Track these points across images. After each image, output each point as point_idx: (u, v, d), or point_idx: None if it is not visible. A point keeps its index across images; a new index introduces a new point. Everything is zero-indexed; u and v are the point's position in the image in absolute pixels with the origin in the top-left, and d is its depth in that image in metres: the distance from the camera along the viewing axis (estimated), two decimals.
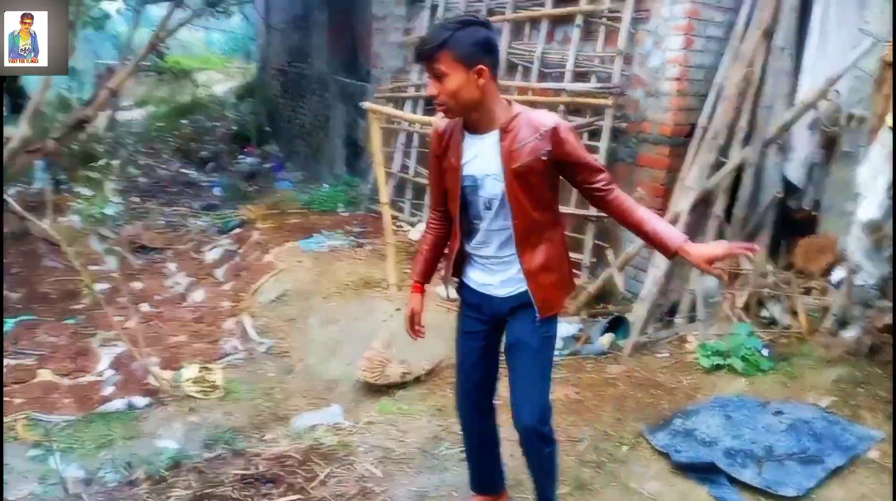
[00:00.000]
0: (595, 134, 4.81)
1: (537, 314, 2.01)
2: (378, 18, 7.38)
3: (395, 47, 7.24)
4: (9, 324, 4.83)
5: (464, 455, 2.61)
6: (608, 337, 4.11)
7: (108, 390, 3.91)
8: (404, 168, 6.82)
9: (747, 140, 4.27)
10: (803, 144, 4.26)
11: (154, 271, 5.87)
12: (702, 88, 4.39)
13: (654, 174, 4.51)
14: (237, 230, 6.58)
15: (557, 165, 1.94)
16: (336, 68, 8.70)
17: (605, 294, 4.67)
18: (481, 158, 1.96)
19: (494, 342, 2.21)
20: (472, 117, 1.94)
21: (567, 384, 3.49)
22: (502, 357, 2.21)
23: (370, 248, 5.88)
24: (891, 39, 3.44)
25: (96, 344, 4.54)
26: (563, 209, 4.82)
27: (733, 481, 2.62)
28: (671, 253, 1.94)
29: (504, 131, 1.92)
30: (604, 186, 1.96)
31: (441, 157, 2.04)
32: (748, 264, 4.14)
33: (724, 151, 4.29)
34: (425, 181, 6.45)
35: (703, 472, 2.68)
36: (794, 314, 3.94)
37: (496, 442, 2.40)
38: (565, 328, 4.29)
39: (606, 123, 4.67)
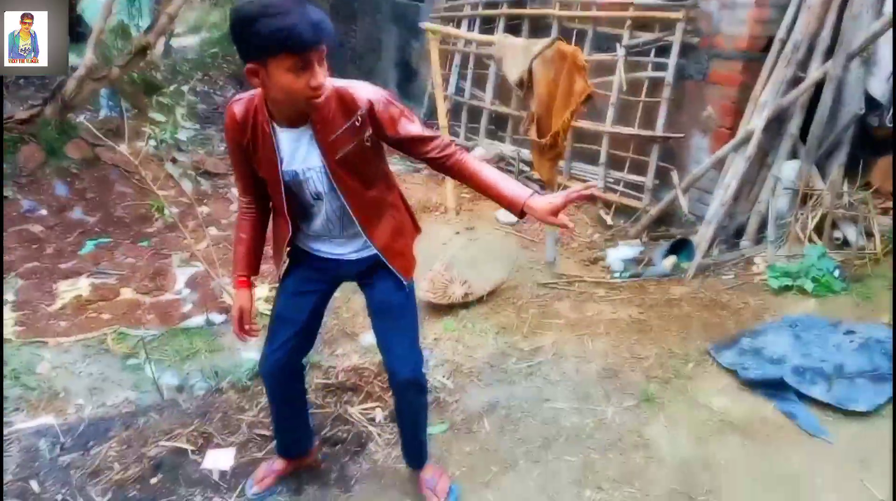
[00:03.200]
0: (664, 50, 4.60)
1: (403, 280, 2.02)
2: None
3: None
4: (88, 247, 5.11)
5: (531, 370, 2.70)
6: (671, 259, 4.07)
7: (187, 307, 4.14)
8: (459, 91, 6.71)
9: (829, 53, 4.01)
10: (890, 57, 3.98)
11: (218, 197, 6.03)
12: None
13: (725, 92, 4.31)
14: None
15: (383, 139, 1.81)
16: None
17: (666, 217, 4.60)
18: (299, 152, 1.77)
19: (326, 299, 2.14)
20: (294, 108, 1.70)
21: (630, 305, 3.50)
22: None
23: (427, 173, 5.88)
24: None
25: (172, 265, 4.76)
26: (622, 130, 4.75)
27: (802, 397, 2.63)
28: (519, 212, 1.80)
29: (315, 122, 1.72)
30: (438, 153, 1.82)
31: (246, 149, 1.82)
32: (821, 184, 3.99)
33: (802, 65, 4.05)
34: (481, 104, 6.35)
35: (771, 388, 2.70)
36: (870, 235, 3.81)
37: (305, 401, 2.28)
38: (625, 250, 4.27)
39: (676, 38, 4.45)
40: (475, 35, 5.91)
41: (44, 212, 5.46)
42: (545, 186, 4.08)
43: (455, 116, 6.67)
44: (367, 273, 2.02)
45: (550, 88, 3.62)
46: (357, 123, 1.72)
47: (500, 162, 5.78)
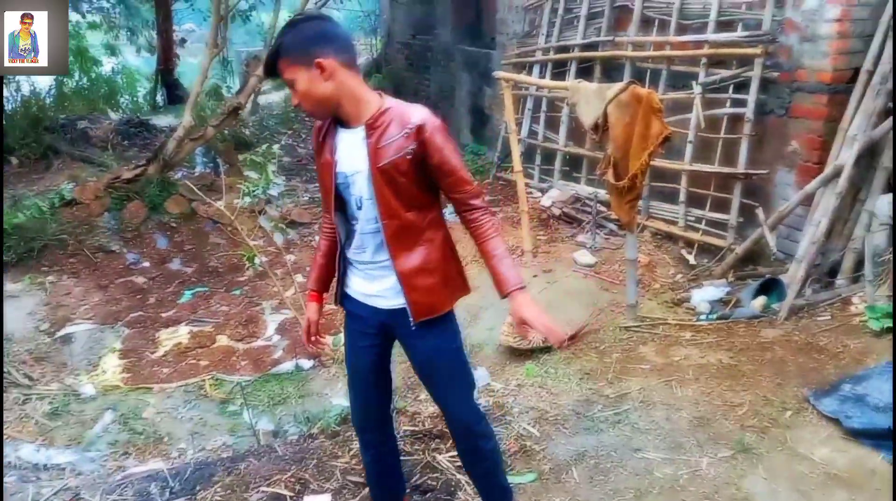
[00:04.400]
0: (742, 86, 4.53)
1: (411, 318, 1.91)
2: None
3: (520, 11, 7.16)
4: (186, 295, 5.45)
5: (618, 417, 2.66)
6: (760, 300, 3.92)
7: (277, 353, 4.34)
8: (533, 134, 6.79)
9: None
10: None
11: (304, 245, 6.31)
12: (867, 28, 3.99)
13: (810, 125, 4.18)
14: None
15: (424, 165, 1.81)
16: (460, 38, 8.75)
17: (753, 255, 4.45)
18: (351, 154, 1.84)
19: (385, 354, 2.11)
20: (341, 112, 1.83)
21: (719, 349, 3.40)
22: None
23: (501, 216, 5.95)
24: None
25: (263, 312, 5.00)
26: (702, 167, 4.67)
27: None
28: (503, 296, 1.89)
29: (370, 127, 1.80)
30: (466, 199, 1.87)
31: (319, 153, 1.93)
32: None
33: (893, 96, 3.89)
34: (555, 146, 6.41)
35: (879, 438, 2.54)
36: None
37: (396, 451, 2.29)
38: (711, 291, 4.15)
39: (755, 74, 4.38)
40: (548, 82, 6.00)
41: (146, 264, 5.89)
42: (624, 227, 4.06)
43: (529, 158, 6.75)
44: (405, 334, 1.99)
45: (626, 131, 3.63)
46: (405, 135, 1.78)
47: (576, 203, 5.78)
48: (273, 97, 11.36)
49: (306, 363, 4.15)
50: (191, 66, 12.22)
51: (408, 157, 1.79)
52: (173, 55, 11.21)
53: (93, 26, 12.03)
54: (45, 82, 10.31)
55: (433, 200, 1.93)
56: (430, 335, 1.96)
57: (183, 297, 5.39)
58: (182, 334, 4.70)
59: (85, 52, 11.15)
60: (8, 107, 8.84)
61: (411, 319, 1.91)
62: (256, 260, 5.98)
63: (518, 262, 4.92)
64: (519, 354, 3.81)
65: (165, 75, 11.08)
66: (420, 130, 1.78)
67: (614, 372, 3.22)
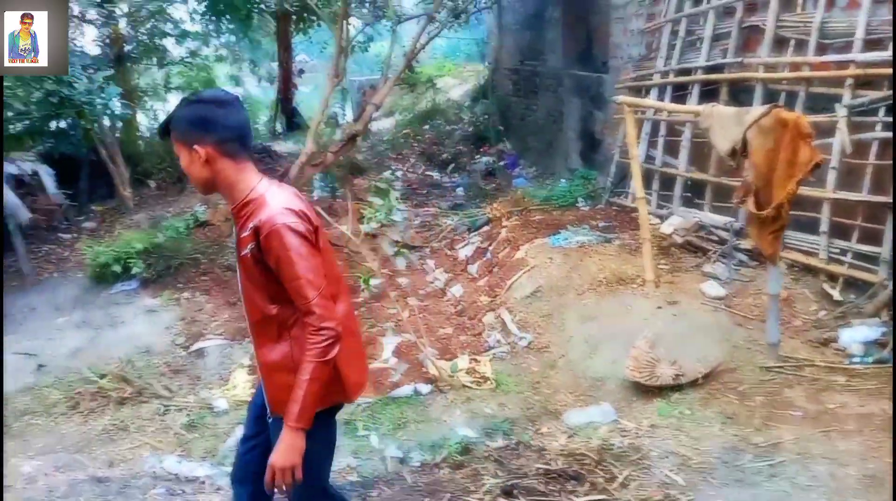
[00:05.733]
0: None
1: (268, 410, 1.87)
2: (617, 7, 7.19)
3: (636, 35, 7.00)
4: None
5: (773, 471, 2.46)
6: None
7: (395, 376, 4.37)
8: (649, 159, 6.57)
9: None
10: None
11: (415, 269, 6.40)
12: None
13: None
14: (485, 228, 6.90)
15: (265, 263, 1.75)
16: (570, 63, 8.68)
17: None
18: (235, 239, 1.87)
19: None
20: (221, 194, 1.85)
21: (881, 397, 3.08)
22: None
23: (618, 243, 5.77)
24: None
25: (380, 334, 5.08)
26: (849, 195, 4.30)
27: None
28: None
29: (235, 215, 1.81)
30: (301, 313, 1.75)
31: None
32: None
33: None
34: (674, 171, 6.16)
35: None
36: None
37: None
38: (865, 332, 3.80)
39: None
40: (676, 106, 5.78)
41: None
42: (765, 260, 3.80)
43: (646, 184, 6.49)
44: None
45: (769, 158, 3.42)
46: (250, 234, 1.74)
47: (700, 231, 5.50)
48: (384, 124, 11.75)
49: (424, 388, 4.15)
50: (305, 95, 12.89)
51: (248, 255, 1.76)
52: (292, 85, 11.85)
53: (219, 59, 12.95)
54: None
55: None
56: (269, 418, 1.91)
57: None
58: None
59: (213, 84, 12.02)
60: (146, 134, 9.65)
61: (268, 410, 1.90)
62: (372, 282, 6.12)
63: (639, 292, 4.73)
64: (646, 390, 3.64)
65: (285, 104, 11.71)
66: (257, 231, 1.72)
67: (761, 418, 2.99)
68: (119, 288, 5.84)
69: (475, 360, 4.50)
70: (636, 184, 4.88)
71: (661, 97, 6.38)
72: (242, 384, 4.41)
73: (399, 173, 8.67)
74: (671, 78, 6.28)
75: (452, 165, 10.10)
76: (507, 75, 10.92)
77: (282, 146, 10.02)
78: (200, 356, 4.85)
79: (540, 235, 6.07)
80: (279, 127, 11.85)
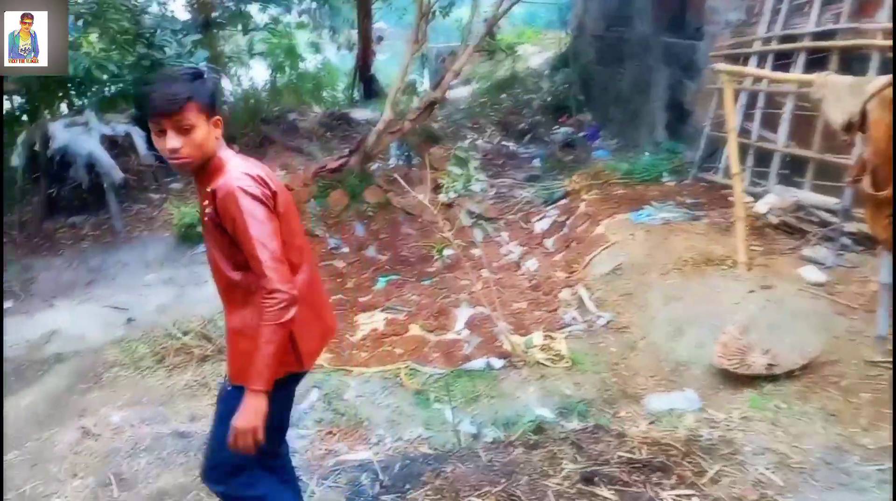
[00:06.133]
0: None
1: (228, 378, 1.90)
2: None
3: None
4: (381, 283, 5.66)
5: (884, 476, 2.24)
6: None
7: (468, 349, 4.32)
8: (745, 132, 6.14)
9: None
10: None
11: (489, 240, 6.29)
12: None
13: None
14: (563, 201, 6.69)
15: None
16: (660, 29, 8.21)
17: None
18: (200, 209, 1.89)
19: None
20: (204, 169, 1.83)
21: None
22: None
23: (707, 221, 5.45)
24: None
25: (453, 305, 5.04)
26: None
27: None
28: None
29: (196, 181, 1.86)
30: (258, 276, 1.75)
31: None
32: None
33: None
34: (772, 146, 5.75)
35: None
36: None
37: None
38: None
39: None
40: (785, 75, 5.32)
41: (346, 250, 6.23)
42: (876, 245, 3.48)
43: (740, 159, 6.12)
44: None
45: (890, 133, 3.08)
46: (209, 197, 1.78)
47: (799, 211, 5.12)
48: (460, 92, 11.57)
49: (497, 362, 4.07)
50: (382, 62, 12.86)
51: (208, 219, 1.81)
52: (370, 52, 11.82)
53: (300, 26, 13.07)
54: (262, 77, 11.42)
55: None
56: (236, 399, 1.83)
57: (378, 284, 5.61)
58: (378, 320, 4.88)
59: (294, 50, 12.16)
60: (230, 99, 9.88)
61: (227, 380, 1.93)
62: (445, 252, 6.07)
63: (729, 274, 4.46)
64: (735, 379, 3.42)
65: (363, 71, 11.72)
66: (213, 194, 1.76)
67: (867, 417, 2.74)
68: (201, 248, 6.04)
69: (550, 337, 4.38)
70: (732, 159, 4.56)
71: (760, 66, 5.93)
72: None
73: (476, 143, 8.52)
74: (773, 45, 5.82)
75: (529, 135, 9.85)
76: (591, 42, 10.48)
77: (359, 113, 10.04)
78: None
79: (621, 210, 5.83)
80: (356, 94, 11.89)
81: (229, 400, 1.86)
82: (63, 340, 4.61)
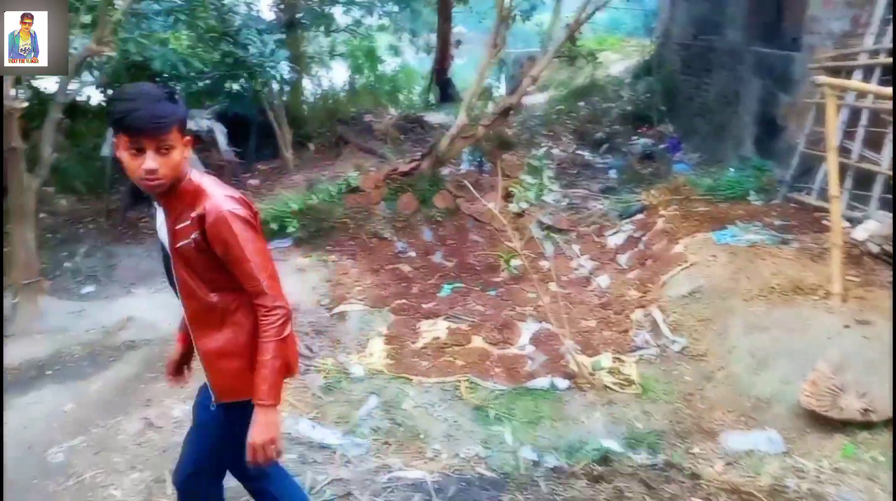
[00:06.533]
0: None
1: (212, 398, 1.90)
2: None
3: (841, 7, 6.06)
4: (445, 289, 5.57)
5: None
6: None
7: (531, 365, 4.16)
8: (844, 151, 5.70)
9: None
10: None
11: (559, 253, 6.09)
12: None
13: None
14: (639, 216, 6.41)
15: (213, 253, 1.77)
16: (753, 38, 7.78)
17: None
18: (162, 231, 1.85)
19: None
20: (173, 191, 1.79)
21: None
22: None
23: (797, 246, 5.07)
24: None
25: (518, 319, 4.88)
26: None
27: None
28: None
29: (166, 205, 1.80)
30: (253, 296, 1.78)
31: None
32: None
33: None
34: (876, 168, 5.30)
35: None
36: None
37: None
38: None
39: None
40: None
41: (412, 254, 6.18)
42: None
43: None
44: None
45: None
46: (191, 223, 1.74)
47: None
48: (536, 99, 11.38)
49: (562, 383, 3.90)
50: (459, 67, 12.82)
51: (191, 246, 1.77)
52: (448, 56, 11.80)
53: (381, 28, 13.21)
54: (341, 78, 11.60)
55: (237, 280, 1.84)
56: (212, 406, 1.92)
57: (442, 291, 5.52)
58: (440, 328, 4.78)
59: (373, 52, 12.30)
60: (309, 99, 10.08)
61: (212, 397, 1.91)
62: (513, 263, 5.92)
63: (821, 305, 4.11)
64: (825, 423, 3.13)
65: (440, 74, 11.71)
66: (201, 219, 1.74)
67: None
68: (275, 244, 6.12)
69: (619, 359, 4.17)
70: (831, 180, 4.21)
71: (866, 81, 5.49)
72: (378, 353, 4.42)
73: (550, 151, 8.32)
74: (881, 58, 5.37)
75: (606, 145, 9.55)
76: (677, 51, 10.09)
77: (433, 117, 10.02)
78: (342, 320, 4.94)
79: (703, 229, 5.51)
80: (432, 98, 11.89)
81: (216, 417, 1.93)
82: (137, 327, 4.74)
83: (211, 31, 6.26)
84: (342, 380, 4.01)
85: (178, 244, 1.80)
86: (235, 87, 7.47)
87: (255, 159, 8.28)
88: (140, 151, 1.69)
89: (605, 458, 3.04)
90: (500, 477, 2.73)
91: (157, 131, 1.67)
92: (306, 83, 10.49)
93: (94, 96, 8.40)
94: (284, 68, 6.45)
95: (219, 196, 1.78)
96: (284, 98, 8.47)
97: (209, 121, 7.31)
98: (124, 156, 1.72)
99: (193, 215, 1.76)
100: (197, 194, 1.78)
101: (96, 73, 6.21)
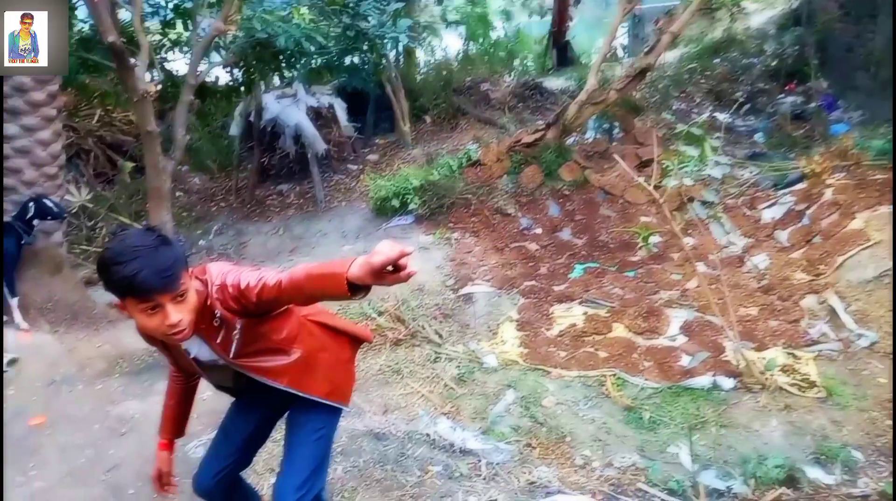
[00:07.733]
0: None
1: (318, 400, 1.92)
2: None
3: None
4: (577, 271, 5.16)
5: None
6: None
7: (686, 360, 3.70)
8: None
9: None
10: None
11: (703, 226, 5.48)
12: None
13: None
14: (799, 186, 5.64)
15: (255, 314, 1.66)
16: None
17: None
18: (203, 350, 1.73)
19: (269, 426, 2.12)
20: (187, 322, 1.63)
21: None
22: None
23: None
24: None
25: (664, 304, 4.41)
26: None
27: None
28: (345, 291, 1.39)
29: (201, 335, 1.67)
30: (273, 292, 1.58)
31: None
32: None
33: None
34: None
35: None
36: None
37: None
38: None
39: None
40: None
41: (538, 230, 5.80)
42: None
43: None
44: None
45: None
46: (217, 324, 1.65)
47: None
48: (665, 58, 10.44)
49: (726, 382, 3.43)
50: (576, 28, 12.03)
51: (239, 333, 1.68)
52: (566, 17, 11.08)
53: None
54: (454, 47, 11.25)
55: (285, 321, 1.80)
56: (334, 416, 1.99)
57: (574, 271, 5.12)
58: (576, 313, 4.41)
59: (486, 18, 11.80)
60: (423, 70, 9.80)
61: (319, 399, 1.90)
62: (651, 240, 5.40)
63: None
64: None
65: (557, 37, 11.04)
66: (212, 312, 1.63)
67: None
68: (396, 222, 5.97)
69: (793, 355, 3.62)
70: None
71: None
72: (511, 340, 4.13)
73: (669, 115, 7.55)
74: None
75: (748, 105, 8.58)
76: None
77: (552, 83, 9.43)
78: (469, 302, 4.69)
79: (885, 200, 4.72)
80: (550, 62, 11.25)
81: (325, 423, 1.93)
82: None
83: (332, 4, 6.10)
84: (475, 370, 3.75)
85: (233, 347, 1.70)
86: (355, 60, 7.32)
87: (372, 134, 8.16)
88: (157, 307, 1.53)
89: (791, 477, 2.58)
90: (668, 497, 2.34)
91: (170, 286, 1.51)
92: (420, 54, 10.22)
93: (222, 76, 8.60)
94: (404, 38, 6.18)
95: (201, 286, 1.64)
96: (401, 70, 8.26)
97: (329, 96, 7.23)
98: (140, 318, 1.56)
99: (215, 319, 1.65)
100: (203, 313, 1.64)
101: (223, 52, 6.25)
